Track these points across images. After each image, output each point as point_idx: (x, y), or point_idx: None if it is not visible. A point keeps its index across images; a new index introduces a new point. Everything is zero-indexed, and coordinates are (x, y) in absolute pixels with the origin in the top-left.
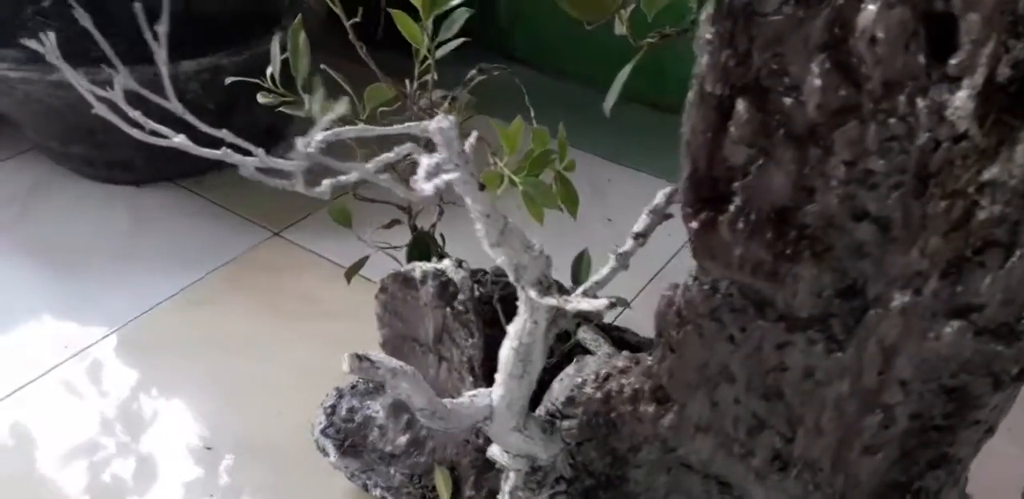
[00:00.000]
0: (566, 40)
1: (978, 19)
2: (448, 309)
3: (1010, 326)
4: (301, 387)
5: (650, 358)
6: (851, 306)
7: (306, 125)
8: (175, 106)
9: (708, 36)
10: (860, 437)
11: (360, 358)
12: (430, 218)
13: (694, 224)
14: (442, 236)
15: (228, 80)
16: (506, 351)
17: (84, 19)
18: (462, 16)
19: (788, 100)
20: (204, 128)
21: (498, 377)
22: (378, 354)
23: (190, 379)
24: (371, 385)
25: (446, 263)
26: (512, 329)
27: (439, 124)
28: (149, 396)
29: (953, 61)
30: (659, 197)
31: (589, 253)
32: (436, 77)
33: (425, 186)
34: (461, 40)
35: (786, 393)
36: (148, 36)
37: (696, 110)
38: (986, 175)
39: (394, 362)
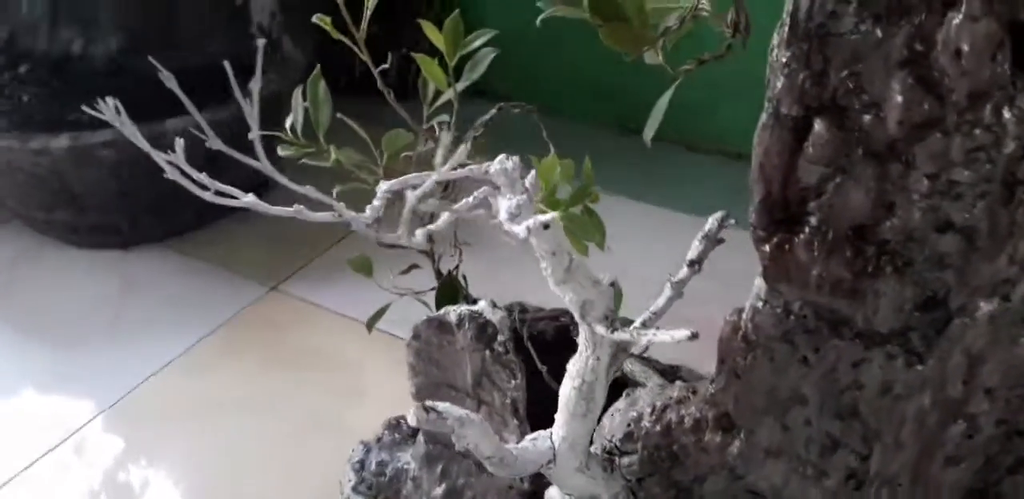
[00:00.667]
0: (543, 76)
1: None
2: (488, 352)
3: None
4: (319, 445)
5: (711, 385)
6: (932, 317)
7: (298, 173)
8: (179, 160)
9: (784, 59)
10: (943, 448)
11: (427, 409)
12: (447, 261)
13: (767, 247)
14: (464, 278)
15: (212, 144)
16: (567, 390)
17: (167, 79)
18: (487, 57)
19: (867, 117)
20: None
21: (559, 417)
22: (443, 404)
23: (197, 451)
24: (398, 436)
25: (482, 304)
26: (573, 367)
27: (502, 165)
28: (156, 477)
29: None
30: (711, 222)
31: (619, 284)
32: (453, 119)
33: (517, 229)
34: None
35: (862, 411)
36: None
37: (770, 132)
38: None
39: (460, 411)
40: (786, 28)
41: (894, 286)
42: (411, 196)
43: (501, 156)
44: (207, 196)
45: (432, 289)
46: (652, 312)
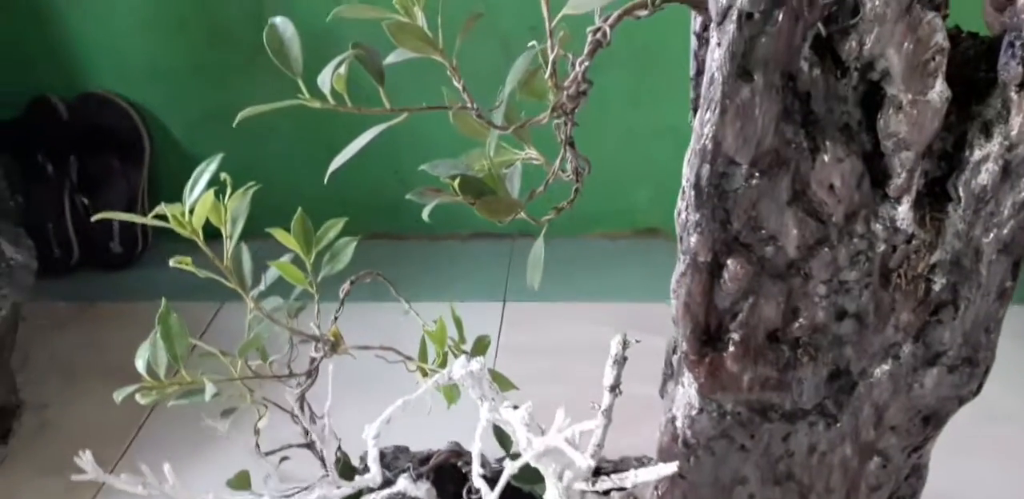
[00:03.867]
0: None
1: (911, 155)
2: None
3: (971, 358)
4: None
5: (656, 491)
6: (840, 385)
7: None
8: None
9: (694, 219)
10: (865, 480)
11: None
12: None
13: (700, 368)
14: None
15: None
16: None
17: None
18: (349, 247)
19: (769, 248)
20: None
21: None
22: None
23: None
24: None
25: (401, 482)
26: None
27: (468, 368)
28: None
29: (891, 187)
30: (614, 346)
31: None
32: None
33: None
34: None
35: (796, 473)
36: None
37: (690, 278)
38: (933, 259)
39: None
40: (691, 194)
41: (812, 371)
42: None
43: (461, 359)
44: None
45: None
46: (596, 445)
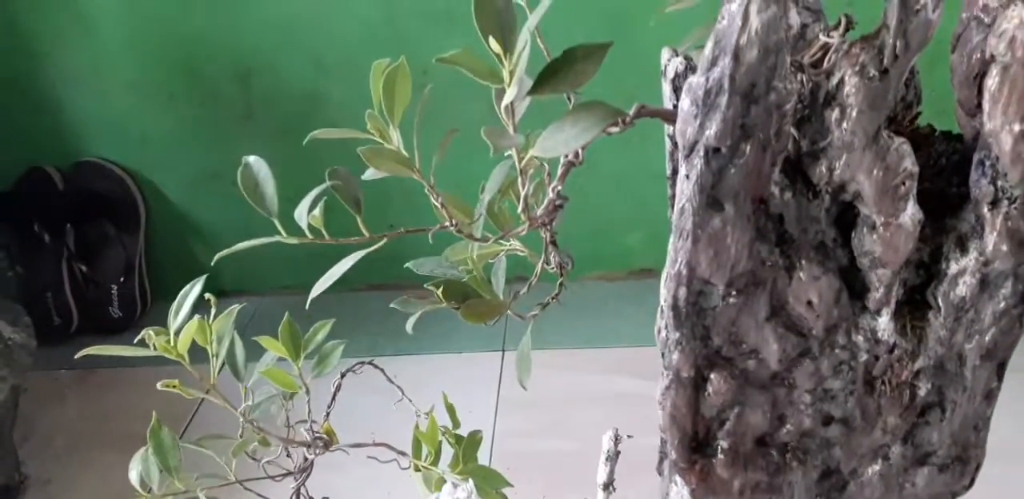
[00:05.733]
0: (271, 262)
1: (887, 272)
2: None
3: (961, 457)
4: None
5: None
6: (831, 484)
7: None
8: None
9: (674, 338)
10: None
11: None
12: None
13: (692, 476)
14: None
15: None
16: None
17: None
18: (336, 351)
19: (751, 362)
20: None
21: None
22: None
23: None
24: None
25: None
26: None
27: (456, 496)
28: None
29: (870, 300)
30: (606, 442)
31: None
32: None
33: None
34: None
35: None
36: None
37: (675, 393)
38: (916, 365)
39: None
40: (670, 314)
41: (801, 474)
42: None
43: (448, 486)
44: None
45: None
46: None
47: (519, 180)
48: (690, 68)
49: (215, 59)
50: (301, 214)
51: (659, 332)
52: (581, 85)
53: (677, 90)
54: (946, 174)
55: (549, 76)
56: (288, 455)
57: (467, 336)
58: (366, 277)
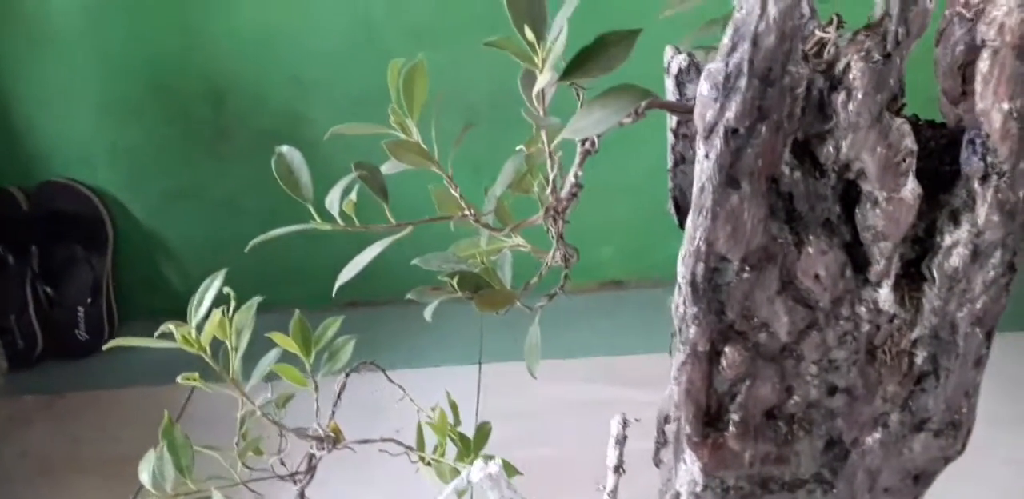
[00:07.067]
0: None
1: (888, 244)
2: None
3: (954, 422)
4: None
5: None
6: (834, 454)
7: None
8: None
9: (692, 312)
10: None
11: None
12: None
13: (705, 450)
14: None
15: None
16: None
17: None
18: (348, 345)
19: (762, 335)
20: None
21: None
22: None
23: None
24: None
25: None
26: None
27: (487, 471)
28: None
29: (872, 273)
30: (615, 427)
31: None
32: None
33: None
34: None
35: None
36: None
37: (691, 367)
38: (914, 334)
39: None
40: (688, 290)
41: (808, 444)
42: None
43: (478, 462)
44: None
45: None
46: None
47: (548, 162)
48: (693, 64)
49: (187, 77)
50: (332, 201)
51: (676, 308)
52: (612, 69)
53: (680, 85)
54: (936, 155)
55: (583, 61)
56: (283, 463)
57: (444, 350)
58: (346, 294)
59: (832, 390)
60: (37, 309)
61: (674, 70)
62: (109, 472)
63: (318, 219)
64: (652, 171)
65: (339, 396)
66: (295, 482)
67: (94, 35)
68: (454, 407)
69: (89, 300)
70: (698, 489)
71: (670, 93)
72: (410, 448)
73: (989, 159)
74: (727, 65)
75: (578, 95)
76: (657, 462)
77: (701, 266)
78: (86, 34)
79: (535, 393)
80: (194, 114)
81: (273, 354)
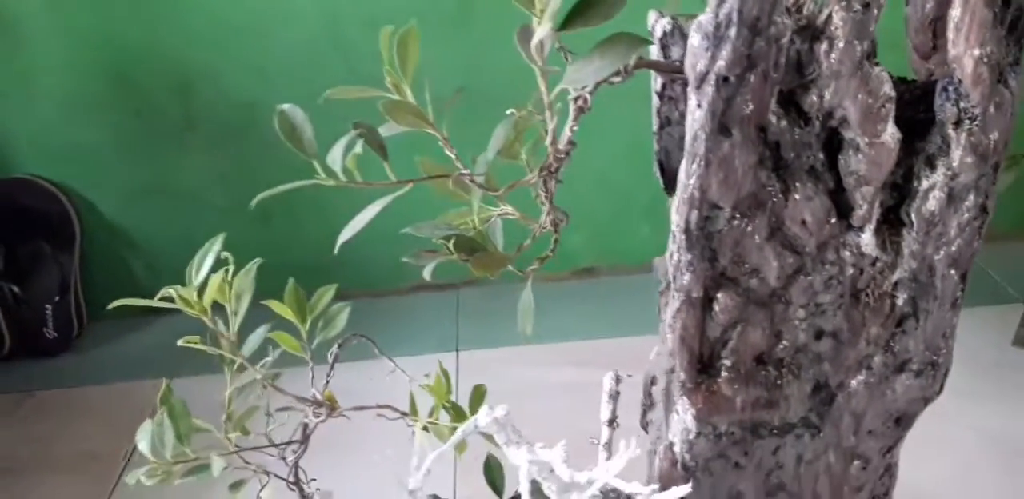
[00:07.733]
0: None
1: (870, 189)
2: None
3: (933, 361)
4: None
5: None
6: (820, 398)
7: None
8: None
9: (686, 259)
10: (848, 483)
11: None
12: None
13: (698, 396)
14: None
15: None
16: None
17: None
18: (342, 313)
19: (753, 280)
20: None
21: None
22: None
23: None
24: None
25: None
26: None
27: (495, 415)
28: None
29: (855, 217)
30: (607, 382)
31: (497, 458)
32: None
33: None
34: None
35: (786, 483)
36: None
37: (685, 314)
38: (895, 277)
39: None
40: (682, 237)
41: (796, 387)
42: None
43: (484, 408)
44: None
45: None
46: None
47: (547, 114)
48: (677, 27)
49: (152, 70)
50: (335, 158)
51: (671, 256)
52: (612, 16)
53: (665, 48)
54: (911, 106)
55: (583, 9)
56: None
57: (422, 340)
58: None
59: (819, 334)
60: (4, 308)
61: (658, 33)
62: (80, 470)
63: (322, 174)
64: (620, 159)
65: (332, 366)
66: (289, 455)
67: (58, 28)
68: (446, 374)
69: (57, 298)
70: (691, 437)
71: (655, 56)
72: (405, 413)
73: (962, 104)
74: (717, 15)
75: (566, 58)
76: (644, 424)
77: (695, 213)
78: (48, 26)
79: (511, 377)
80: (159, 107)
81: (262, 330)
